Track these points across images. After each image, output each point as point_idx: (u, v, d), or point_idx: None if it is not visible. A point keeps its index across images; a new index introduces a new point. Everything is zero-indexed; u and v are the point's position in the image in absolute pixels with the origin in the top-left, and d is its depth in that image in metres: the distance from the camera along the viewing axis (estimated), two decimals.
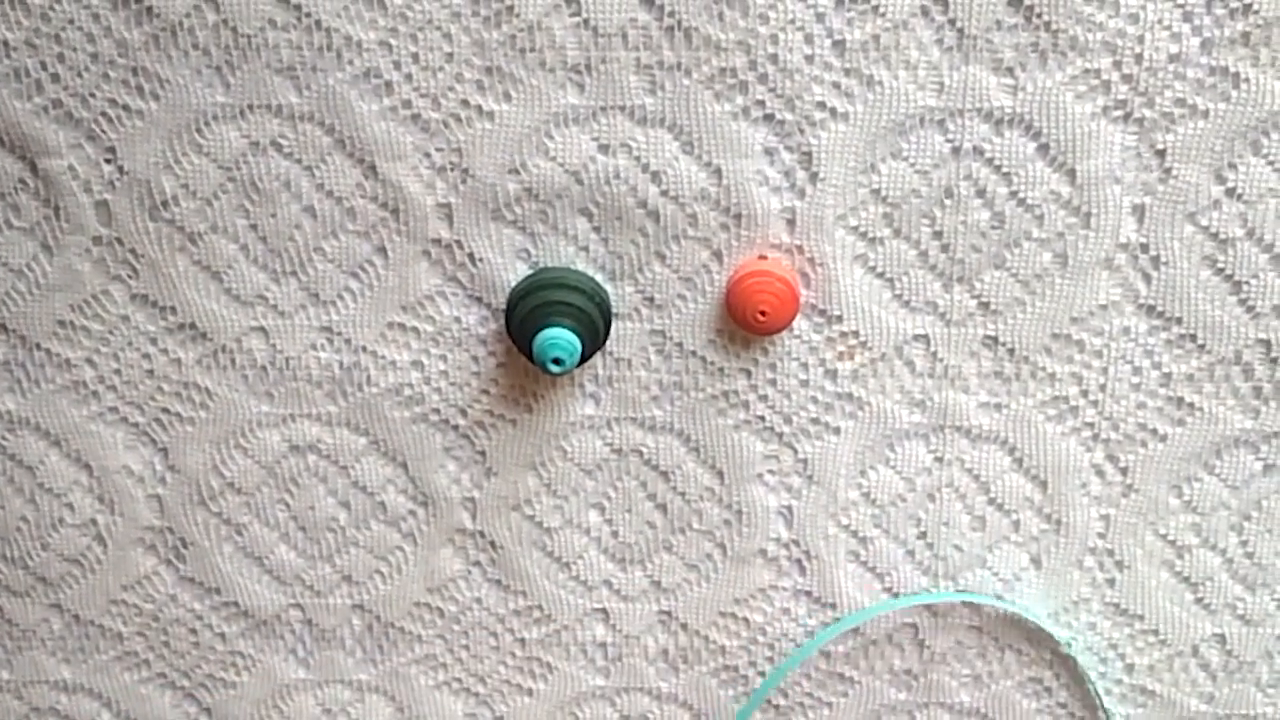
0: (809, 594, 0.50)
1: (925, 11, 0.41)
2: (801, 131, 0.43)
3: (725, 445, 0.48)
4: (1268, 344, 0.45)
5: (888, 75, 0.42)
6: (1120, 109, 0.42)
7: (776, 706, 0.52)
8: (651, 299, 0.46)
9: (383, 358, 0.47)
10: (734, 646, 0.51)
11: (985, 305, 0.45)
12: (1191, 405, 0.47)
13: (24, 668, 0.53)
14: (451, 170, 0.44)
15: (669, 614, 0.51)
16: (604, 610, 0.51)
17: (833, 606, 0.50)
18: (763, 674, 0.52)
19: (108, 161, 0.45)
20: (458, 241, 0.45)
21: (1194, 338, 0.45)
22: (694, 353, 0.46)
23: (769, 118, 0.43)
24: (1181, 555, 0.49)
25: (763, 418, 0.47)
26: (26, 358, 0.48)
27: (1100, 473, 0.48)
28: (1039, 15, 0.41)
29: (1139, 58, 0.42)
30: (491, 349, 0.47)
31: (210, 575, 0.51)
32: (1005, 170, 0.43)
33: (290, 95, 0.43)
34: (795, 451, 0.48)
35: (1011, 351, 0.46)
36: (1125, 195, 0.43)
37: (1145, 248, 0.44)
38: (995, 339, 0.46)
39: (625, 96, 0.43)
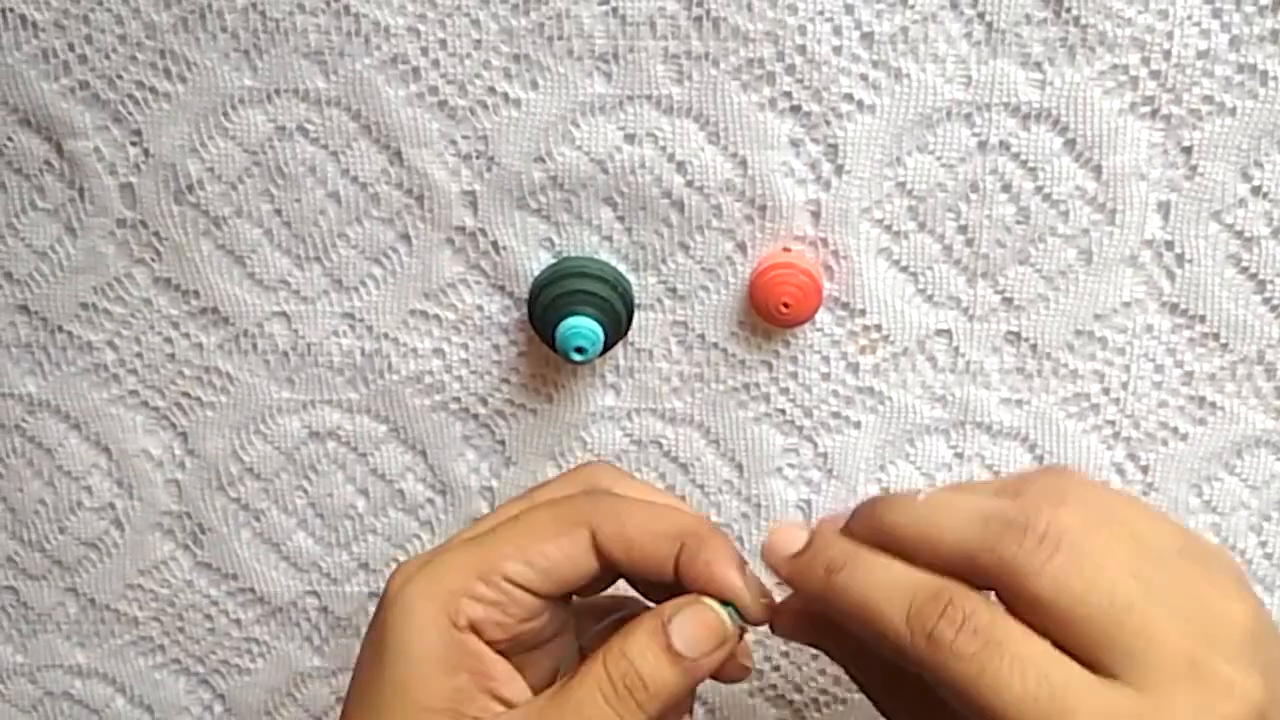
0: None
1: (954, 5, 0.41)
2: (828, 123, 0.43)
3: (745, 438, 0.48)
4: None
5: (915, 68, 0.42)
6: (1147, 105, 0.42)
7: (791, 703, 0.52)
8: (674, 290, 0.46)
9: (404, 345, 0.47)
10: (749, 640, 0.51)
11: (1008, 301, 0.45)
12: (1213, 404, 0.46)
13: (39, 651, 0.53)
14: (477, 158, 0.44)
15: None
16: None
17: None
18: (778, 669, 0.52)
19: (133, 144, 0.45)
20: (481, 229, 0.45)
21: (1217, 336, 0.45)
22: (715, 344, 0.46)
23: (796, 109, 0.43)
24: None
25: (783, 411, 0.47)
26: (48, 340, 0.48)
27: (1121, 471, 0.48)
28: (1068, 10, 0.41)
29: (1167, 54, 0.42)
30: (513, 338, 0.47)
31: (227, 561, 0.51)
32: (1031, 165, 0.43)
33: (317, 80, 0.43)
34: (815, 445, 0.48)
35: (1034, 348, 0.46)
36: (1151, 192, 0.43)
37: (1170, 245, 0.44)
38: (1018, 335, 0.46)
39: (652, 86, 0.43)
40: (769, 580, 0.38)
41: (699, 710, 0.52)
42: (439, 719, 0.36)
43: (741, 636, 0.38)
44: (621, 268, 0.45)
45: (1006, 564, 0.32)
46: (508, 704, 0.37)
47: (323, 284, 0.46)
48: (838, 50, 0.42)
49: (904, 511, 0.35)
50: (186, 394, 0.48)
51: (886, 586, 0.34)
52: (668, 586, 0.38)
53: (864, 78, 0.42)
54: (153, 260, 0.46)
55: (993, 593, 0.33)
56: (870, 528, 0.36)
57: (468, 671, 0.37)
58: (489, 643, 0.38)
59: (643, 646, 0.36)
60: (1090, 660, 0.32)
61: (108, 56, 0.43)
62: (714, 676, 0.39)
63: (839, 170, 0.43)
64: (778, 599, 0.38)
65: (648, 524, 0.38)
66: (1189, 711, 0.31)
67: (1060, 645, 0.32)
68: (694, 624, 0.37)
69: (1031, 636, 0.32)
